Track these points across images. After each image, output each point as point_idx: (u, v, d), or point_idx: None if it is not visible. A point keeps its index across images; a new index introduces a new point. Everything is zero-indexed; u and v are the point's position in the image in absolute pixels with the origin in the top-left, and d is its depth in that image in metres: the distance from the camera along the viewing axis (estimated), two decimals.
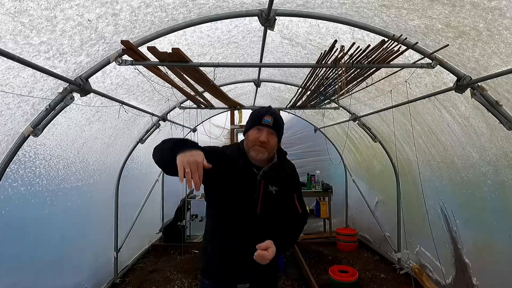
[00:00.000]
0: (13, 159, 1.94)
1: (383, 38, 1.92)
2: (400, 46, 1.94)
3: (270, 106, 1.53)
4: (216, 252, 1.48)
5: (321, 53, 2.10)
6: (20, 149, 1.95)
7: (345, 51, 1.99)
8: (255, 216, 1.43)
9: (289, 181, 1.56)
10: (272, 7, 1.81)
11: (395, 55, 2.01)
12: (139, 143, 3.70)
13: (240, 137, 5.64)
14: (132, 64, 1.99)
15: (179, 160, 1.08)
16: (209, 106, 3.77)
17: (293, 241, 1.60)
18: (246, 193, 1.43)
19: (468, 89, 2.00)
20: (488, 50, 1.67)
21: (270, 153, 1.47)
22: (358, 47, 1.96)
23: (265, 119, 1.43)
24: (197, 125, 5.43)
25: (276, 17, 1.91)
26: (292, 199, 1.56)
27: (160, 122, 3.75)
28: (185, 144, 1.17)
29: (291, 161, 1.66)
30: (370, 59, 2.07)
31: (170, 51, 1.88)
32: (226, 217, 1.45)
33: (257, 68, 3.30)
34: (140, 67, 2.27)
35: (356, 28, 2.05)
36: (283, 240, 1.45)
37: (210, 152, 1.25)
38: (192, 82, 2.68)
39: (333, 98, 3.39)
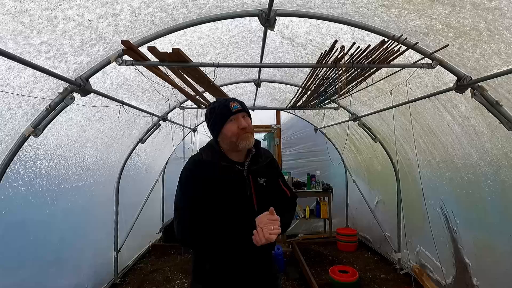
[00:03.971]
0: (14, 159, 1.94)
1: (383, 38, 1.92)
2: (400, 46, 1.94)
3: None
4: (220, 262, 1.38)
5: (321, 53, 2.10)
6: (21, 149, 1.95)
7: (345, 51, 1.99)
8: (254, 213, 1.32)
9: (271, 168, 1.52)
10: (272, 7, 1.81)
11: (395, 55, 2.01)
12: (140, 143, 3.70)
13: None
14: (132, 64, 1.99)
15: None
16: None
17: (288, 224, 1.52)
18: (239, 194, 1.36)
19: (469, 89, 2.00)
20: (488, 50, 1.67)
21: (253, 136, 1.42)
22: (358, 47, 1.96)
23: (233, 106, 1.36)
24: (197, 125, 5.43)
25: (276, 17, 1.91)
26: (279, 185, 1.53)
27: (160, 122, 3.76)
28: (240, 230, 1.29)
29: (264, 147, 1.60)
30: (370, 59, 2.07)
31: (170, 51, 1.88)
32: (227, 225, 1.32)
33: (257, 68, 3.30)
34: (141, 67, 2.27)
35: (356, 28, 2.05)
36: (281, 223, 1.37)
37: (193, 176, 1.36)
38: (192, 82, 2.68)
39: (333, 98, 3.39)
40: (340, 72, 2.30)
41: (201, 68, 2.36)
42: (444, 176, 2.95)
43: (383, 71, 2.51)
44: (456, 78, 2.02)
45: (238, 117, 1.36)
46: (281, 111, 5.61)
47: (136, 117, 3.17)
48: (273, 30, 2.04)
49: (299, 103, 3.80)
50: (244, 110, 1.39)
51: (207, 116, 1.44)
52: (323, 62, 2.17)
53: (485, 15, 1.45)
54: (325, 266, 4.10)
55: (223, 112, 1.37)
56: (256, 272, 1.43)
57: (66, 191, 2.64)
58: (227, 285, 1.39)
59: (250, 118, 1.44)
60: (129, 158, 3.68)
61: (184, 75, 2.47)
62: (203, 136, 5.47)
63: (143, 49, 1.96)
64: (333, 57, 2.09)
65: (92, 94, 2.10)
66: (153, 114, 3.43)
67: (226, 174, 1.36)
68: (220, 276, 1.38)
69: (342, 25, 2.07)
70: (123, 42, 1.77)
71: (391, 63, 2.11)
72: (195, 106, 3.73)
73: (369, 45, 1.96)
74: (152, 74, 2.38)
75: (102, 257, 3.39)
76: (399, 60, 2.12)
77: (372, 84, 2.65)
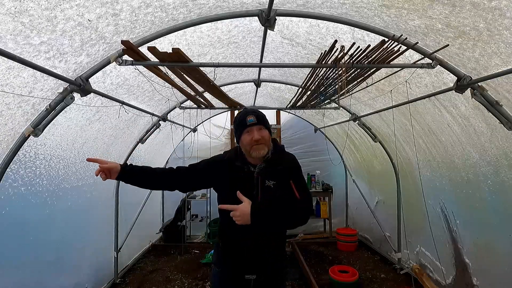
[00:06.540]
0: (14, 159, 1.94)
1: (383, 38, 1.92)
2: (400, 46, 1.94)
3: (245, 108, 1.61)
4: (225, 246, 1.63)
5: (321, 53, 2.10)
6: (21, 149, 1.95)
7: (345, 51, 1.98)
8: None
9: (286, 172, 1.56)
10: (272, 7, 1.81)
11: (395, 55, 2.01)
12: (140, 143, 3.70)
13: None
14: (132, 64, 1.99)
15: None
16: (209, 106, 3.77)
17: (285, 221, 1.51)
18: (245, 190, 1.50)
19: (468, 89, 2.00)
20: (488, 50, 1.67)
21: (269, 146, 1.56)
22: (358, 47, 1.96)
23: (248, 119, 1.52)
24: (197, 125, 5.43)
25: (276, 17, 1.91)
26: (290, 188, 1.53)
27: (160, 122, 3.76)
28: None
29: (290, 154, 1.68)
30: (370, 59, 2.07)
31: (170, 51, 1.88)
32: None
33: (257, 68, 3.30)
34: (141, 67, 2.27)
35: (356, 28, 2.05)
36: (274, 205, 1.47)
37: (208, 162, 1.66)
38: (192, 82, 2.68)
39: (333, 98, 3.39)
40: (340, 72, 2.30)
41: (201, 68, 2.36)
42: (444, 176, 2.95)
43: (383, 71, 2.51)
44: (456, 78, 2.02)
45: (252, 129, 1.52)
46: (281, 111, 5.61)
47: (136, 117, 3.17)
48: (273, 30, 2.04)
49: (299, 103, 3.80)
50: (259, 123, 1.53)
51: (233, 124, 1.67)
52: (323, 62, 2.16)
53: (485, 15, 1.45)
54: (325, 266, 4.10)
55: (240, 124, 1.55)
56: (260, 259, 1.57)
57: (66, 191, 2.64)
58: (233, 261, 1.61)
59: (269, 129, 1.59)
60: (129, 158, 3.68)
61: (184, 75, 2.47)
62: (203, 136, 5.48)
63: (143, 49, 1.96)
64: (333, 57, 2.09)
65: (92, 94, 2.10)
66: (153, 114, 3.43)
67: (237, 172, 1.57)
68: (228, 253, 1.63)
69: (342, 25, 2.07)
70: (123, 42, 1.77)
71: (391, 63, 2.11)
72: (195, 106, 3.73)
73: (369, 45, 1.96)
74: (152, 74, 2.38)
75: (102, 257, 3.39)
76: (399, 60, 2.12)
77: (372, 84, 2.65)
